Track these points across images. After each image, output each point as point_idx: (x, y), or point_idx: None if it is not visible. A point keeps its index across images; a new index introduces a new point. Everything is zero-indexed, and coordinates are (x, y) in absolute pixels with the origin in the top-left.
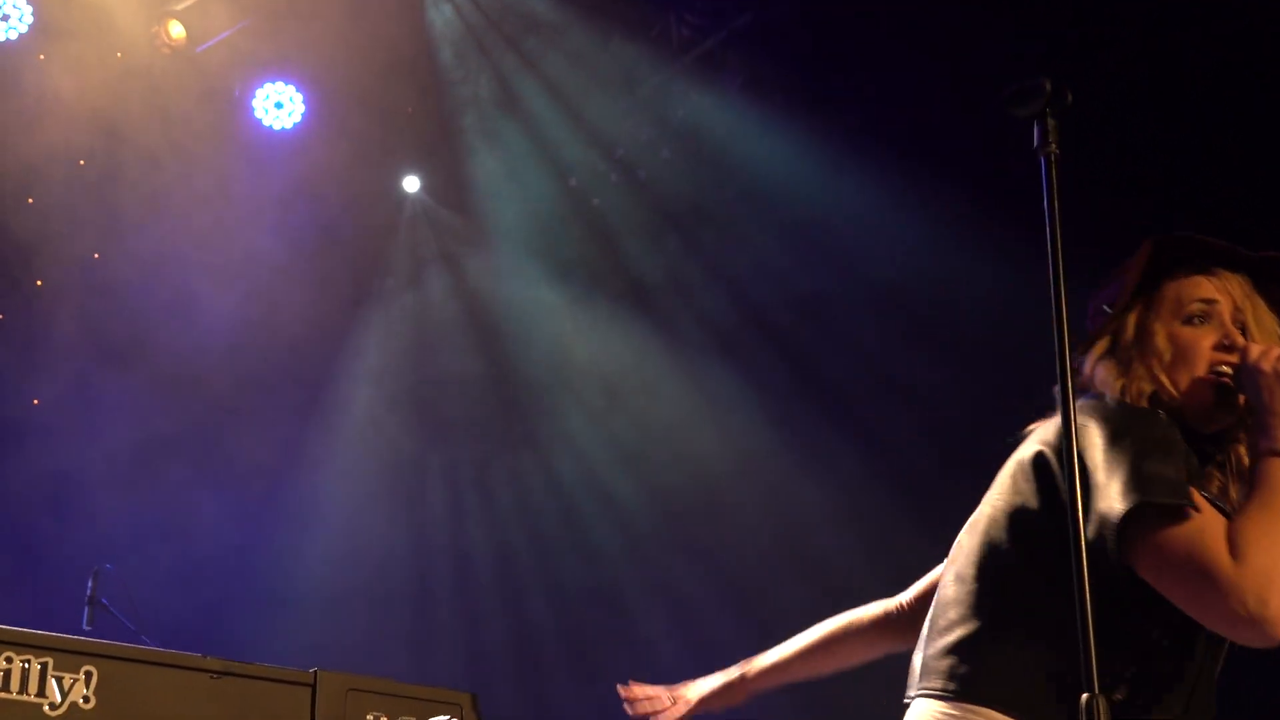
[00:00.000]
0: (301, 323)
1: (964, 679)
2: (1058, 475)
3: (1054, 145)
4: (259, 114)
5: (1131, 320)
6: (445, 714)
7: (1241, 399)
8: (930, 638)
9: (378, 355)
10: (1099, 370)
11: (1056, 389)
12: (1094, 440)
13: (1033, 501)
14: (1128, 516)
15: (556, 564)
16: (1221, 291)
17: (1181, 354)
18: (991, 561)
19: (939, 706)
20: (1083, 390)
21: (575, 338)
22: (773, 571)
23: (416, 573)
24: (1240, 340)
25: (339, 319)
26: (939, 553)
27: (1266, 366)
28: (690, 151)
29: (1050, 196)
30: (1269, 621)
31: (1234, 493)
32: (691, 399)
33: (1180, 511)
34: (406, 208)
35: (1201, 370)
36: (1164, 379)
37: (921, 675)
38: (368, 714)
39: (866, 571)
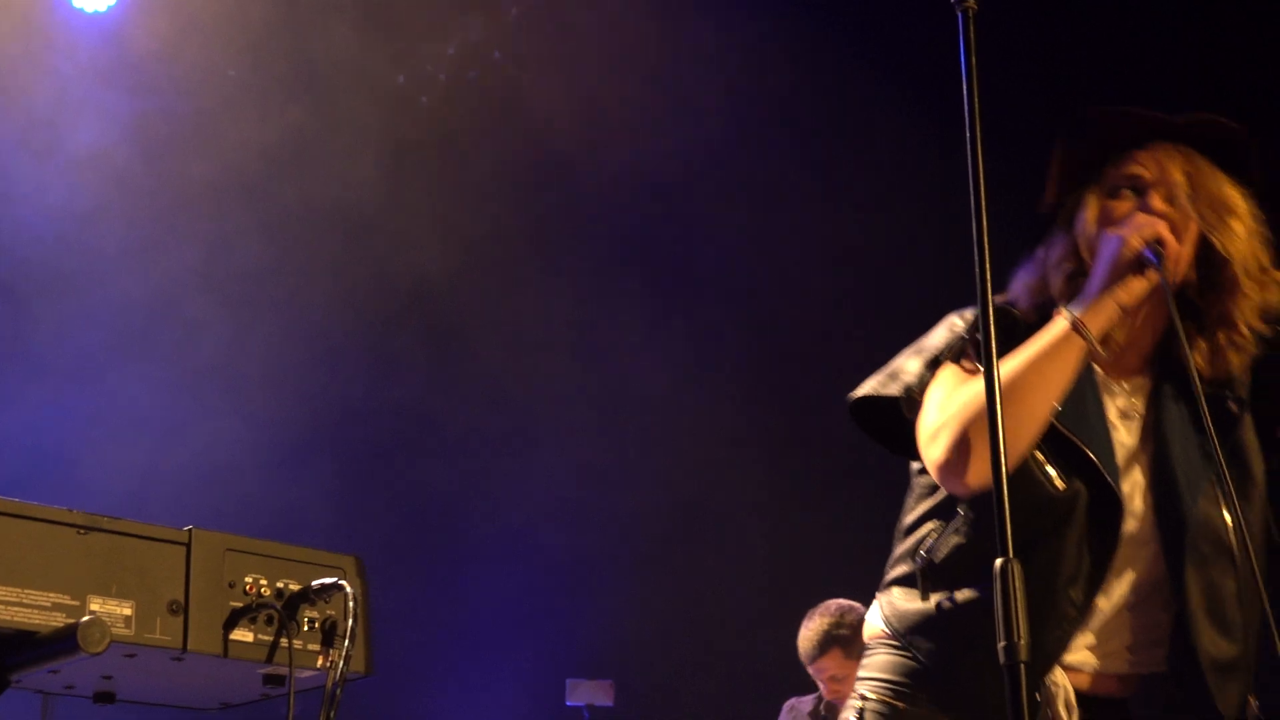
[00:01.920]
0: (128, 214)
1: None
2: None
3: (972, 0)
4: None
5: (1069, 208)
6: (329, 577)
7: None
8: None
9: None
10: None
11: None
12: None
13: None
14: (850, 406)
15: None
16: (1151, 164)
17: (1100, 228)
18: None
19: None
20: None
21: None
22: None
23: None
24: (1159, 207)
25: (167, 211)
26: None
27: (1111, 232)
28: (522, 52)
29: (968, 53)
30: (945, 467)
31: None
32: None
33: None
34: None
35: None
36: (1086, 255)
37: None
38: (246, 575)
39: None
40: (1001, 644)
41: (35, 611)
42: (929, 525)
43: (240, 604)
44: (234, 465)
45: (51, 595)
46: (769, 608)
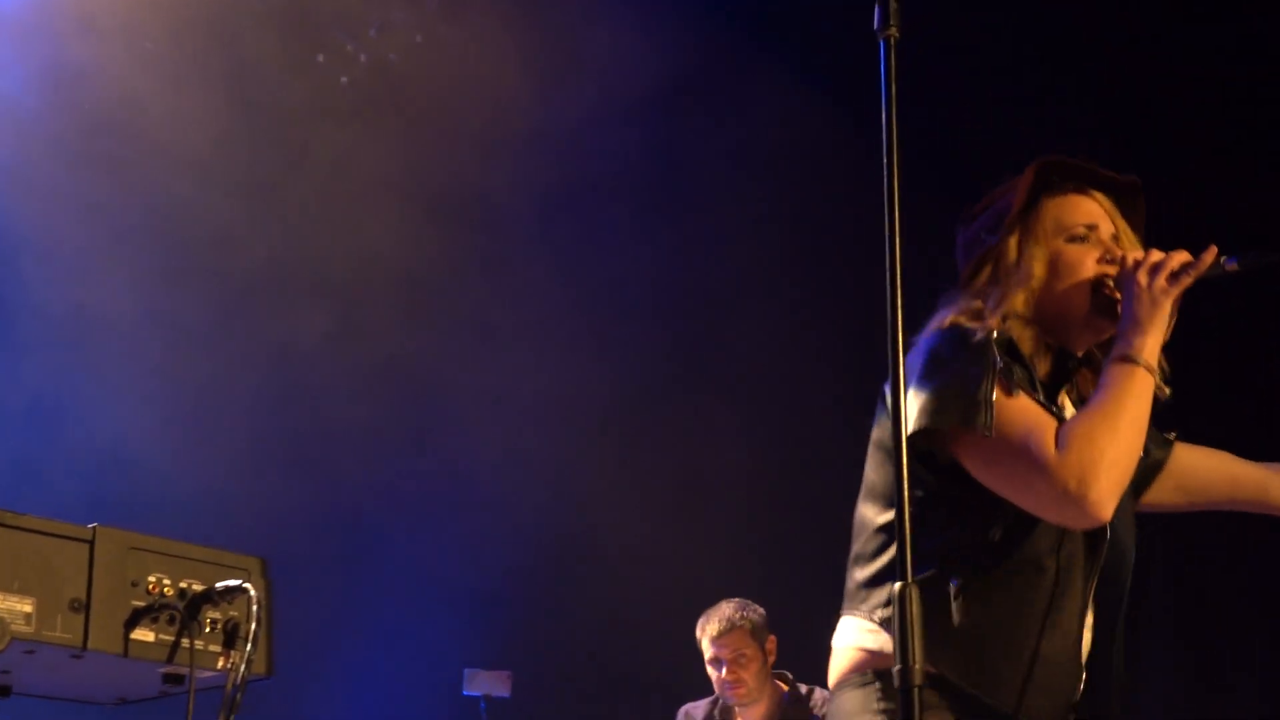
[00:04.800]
0: (38, 187)
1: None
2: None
3: (894, 28)
4: None
5: (1013, 243)
6: (233, 578)
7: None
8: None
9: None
10: (968, 299)
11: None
12: (911, 367)
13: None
14: (911, 440)
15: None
16: (1100, 213)
17: (1067, 270)
18: (867, 493)
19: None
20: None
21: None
22: None
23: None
24: (1120, 254)
25: (78, 184)
26: None
27: (1141, 276)
28: (443, 36)
29: (888, 81)
30: (1089, 502)
31: None
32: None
33: (974, 428)
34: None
35: (1086, 284)
36: (1044, 295)
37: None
38: (149, 574)
39: None
40: (896, 668)
41: None
42: (954, 552)
43: (143, 603)
44: (137, 456)
45: None
46: (668, 604)
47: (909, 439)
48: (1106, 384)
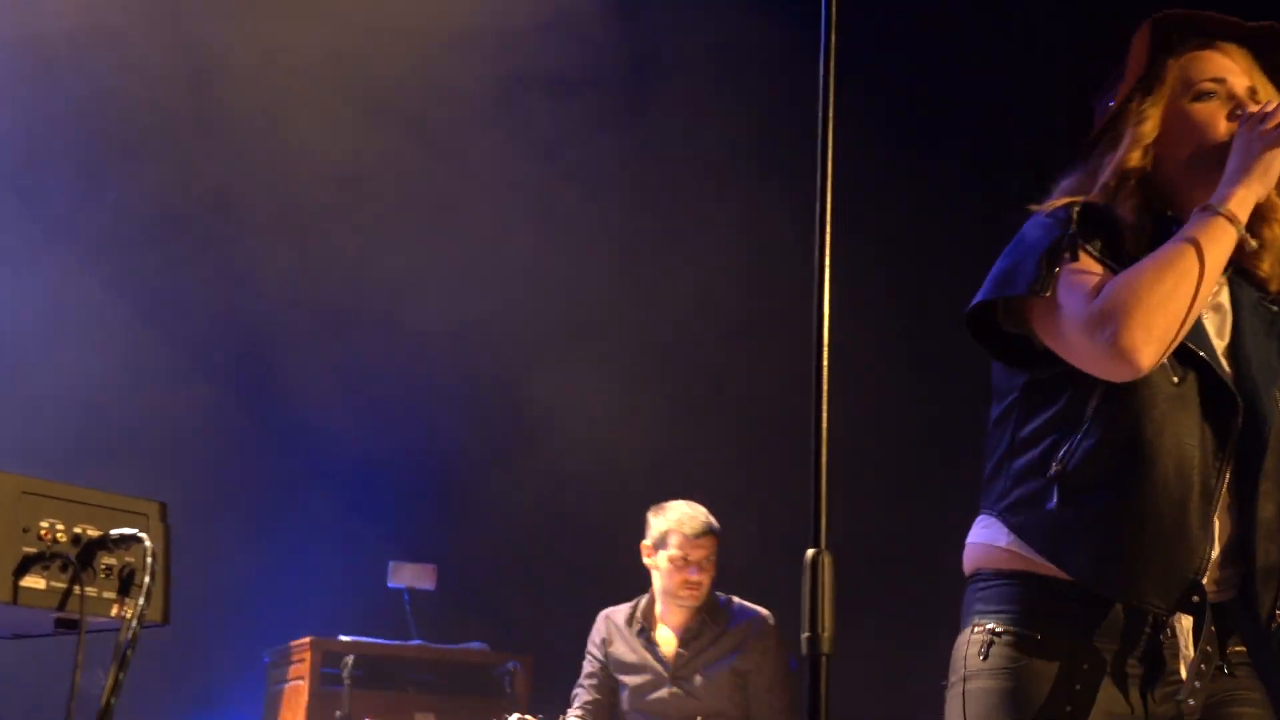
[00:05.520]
0: None
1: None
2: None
3: None
4: None
5: (1133, 108)
6: (130, 525)
7: None
8: None
9: None
10: (1082, 171)
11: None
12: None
13: None
14: (968, 316)
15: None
16: (1230, 66)
17: (1195, 130)
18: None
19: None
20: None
21: None
22: None
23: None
24: (1253, 109)
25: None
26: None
27: (1246, 127)
28: None
29: (828, 29)
30: (1120, 349)
31: None
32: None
33: (1032, 294)
34: None
35: (1213, 144)
36: (1166, 156)
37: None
38: (41, 520)
39: None
40: (805, 635)
41: None
42: (1053, 435)
43: (34, 550)
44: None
45: None
46: (598, 501)
47: (972, 311)
48: (1178, 234)
